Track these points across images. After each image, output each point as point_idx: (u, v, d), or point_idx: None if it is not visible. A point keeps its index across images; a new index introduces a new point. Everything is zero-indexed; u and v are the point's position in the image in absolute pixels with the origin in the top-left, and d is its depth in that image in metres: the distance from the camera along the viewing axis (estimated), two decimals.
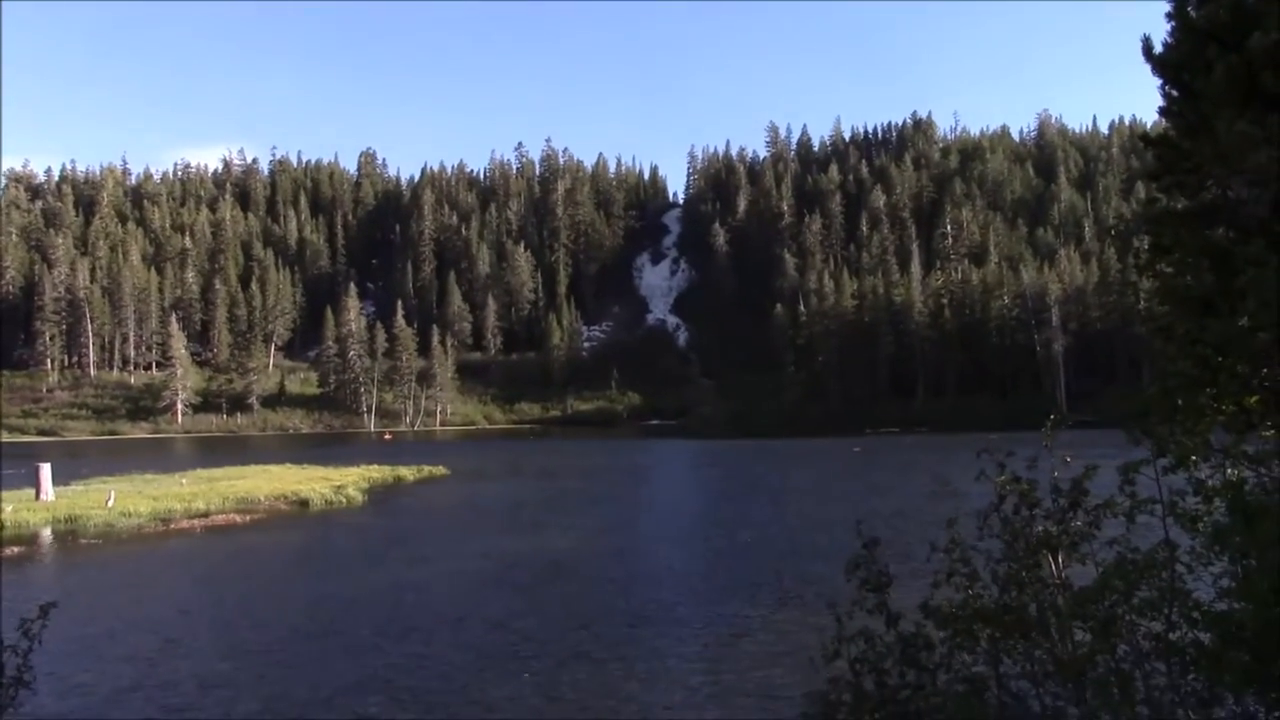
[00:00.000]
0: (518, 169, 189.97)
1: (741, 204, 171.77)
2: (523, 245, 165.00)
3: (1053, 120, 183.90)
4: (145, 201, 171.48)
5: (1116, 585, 4.92)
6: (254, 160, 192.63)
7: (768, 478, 51.37)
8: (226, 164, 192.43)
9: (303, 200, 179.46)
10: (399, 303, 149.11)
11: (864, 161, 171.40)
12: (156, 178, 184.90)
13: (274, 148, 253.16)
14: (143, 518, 33.75)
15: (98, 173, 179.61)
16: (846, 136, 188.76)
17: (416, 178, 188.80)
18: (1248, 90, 7.13)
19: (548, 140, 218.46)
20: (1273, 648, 4.07)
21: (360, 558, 27.34)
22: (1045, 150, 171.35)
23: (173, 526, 32.88)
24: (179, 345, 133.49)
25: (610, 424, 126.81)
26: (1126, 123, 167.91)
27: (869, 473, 51.77)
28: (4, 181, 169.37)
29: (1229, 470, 4.98)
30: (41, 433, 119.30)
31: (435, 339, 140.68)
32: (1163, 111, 8.96)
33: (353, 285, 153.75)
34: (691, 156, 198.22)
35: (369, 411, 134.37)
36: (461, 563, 25.88)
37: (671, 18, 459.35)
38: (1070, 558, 5.23)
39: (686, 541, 29.65)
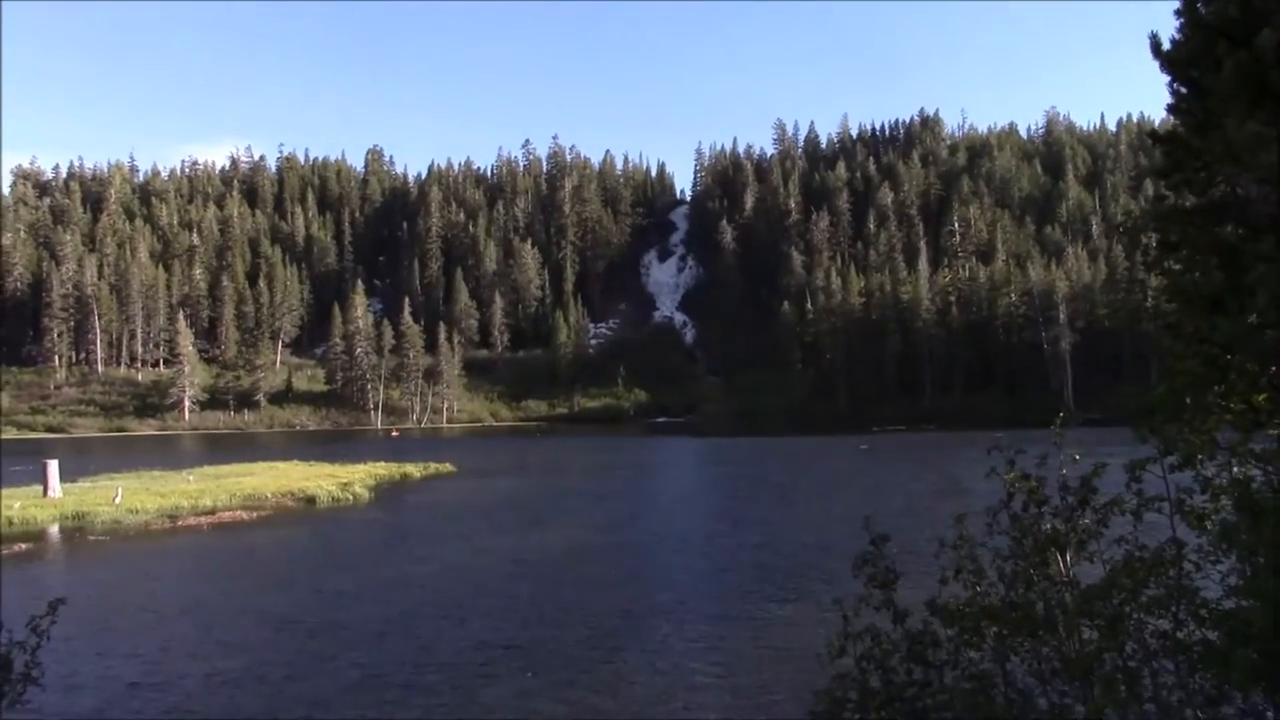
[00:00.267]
0: (525, 166, 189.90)
1: (749, 201, 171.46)
2: (530, 242, 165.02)
3: (1061, 118, 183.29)
4: (153, 198, 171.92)
5: (1124, 583, 4.93)
6: (261, 157, 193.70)
7: (774, 475, 51.31)
8: (234, 161, 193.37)
9: (310, 197, 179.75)
10: (406, 300, 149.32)
11: (871, 159, 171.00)
12: (164, 175, 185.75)
13: (281, 145, 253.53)
14: (150, 514, 33.91)
15: (105, 170, 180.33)
16: (854, 134, 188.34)
17: (424, 175, 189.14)
18: (1258, 87, 7.09)
19: (555, 137, 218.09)
20: None
21: (366, 555, 27.42)
22: (1053, 148, 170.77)
23: (180, 523, 33.01)
24: (186, 342, 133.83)
25: (617, 421, 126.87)
26: (1135, 120, 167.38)
27: (876, 470, 51.72)
28: (11, 179, 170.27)
29: (1236, 468, 4.97)
30: (49, 429, 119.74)
31: (442, 336, 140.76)
32: (1171, 109, 8.92)
33: (360, 282, 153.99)
34: (699, 154, 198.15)
35: (376, 408, 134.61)
36: (467, 560, 25.94)
37: (679, 15, 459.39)
38: (1078, 555, 5.22)
39: (693, 539, 29.65)
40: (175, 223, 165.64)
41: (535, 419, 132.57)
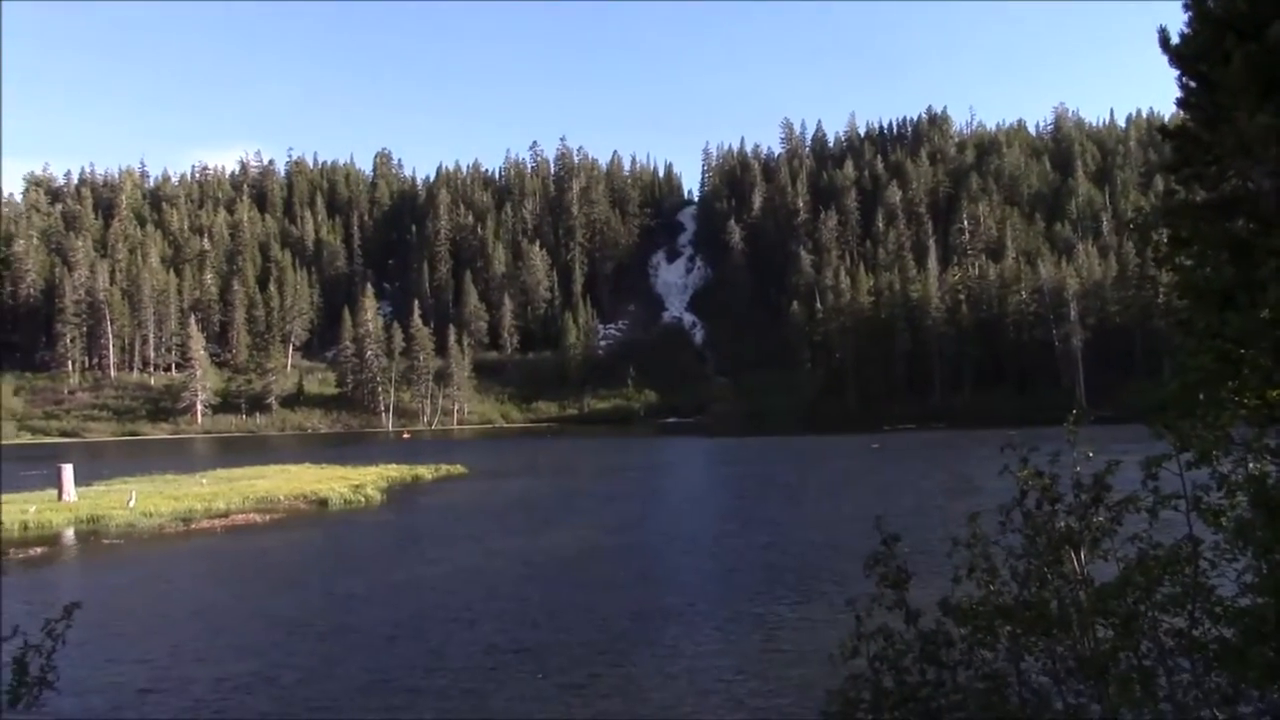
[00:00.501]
0: (533, 168, 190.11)
1: (757, 201, 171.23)
2: (538, 244, 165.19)
3: (1069, 114, 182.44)
4: (163, 204, 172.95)
5: (1139, 581, 4.89)
6: (270, 162, 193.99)
7: (784, 475, 51.24)
8: (243, 166, 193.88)
9: (319, 201, 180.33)
10: (415, 302, 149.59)
11: (879, 157, 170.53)
12: (174, 180, 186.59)
13: (290, 149, 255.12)
14: (164, 518, 34.09)
15: (116, 175, 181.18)
16: (862, 132, 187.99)
17: (432, 178, 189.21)
18: (1267, 80, 7.05)
19: (562, 139, 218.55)
20: None
21: (378, 557, 27.46)
22: (1062, 144, 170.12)
23: (193, 526, 33.13)
24: (198, 346, 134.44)
25: (627, 422, 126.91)
26: (1144, 115, 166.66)
27: (887, 469, 51.59)
28: (25, 185, 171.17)
29: (1251, 464, 4.92)
30: (63, 434, 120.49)
31: (452, 338, 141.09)
32: (1180, 103, 8.88)
33: (369, 285, 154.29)
34: (706, 154, 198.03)
35: (387, 411, 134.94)
36: (479, 561, 25.95)
37: (685, 16, 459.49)
38: (1092, 553, 5.19)
39: (703, 539, 29.60)
40: (186, 228, 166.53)
41: (546, 420, 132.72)
